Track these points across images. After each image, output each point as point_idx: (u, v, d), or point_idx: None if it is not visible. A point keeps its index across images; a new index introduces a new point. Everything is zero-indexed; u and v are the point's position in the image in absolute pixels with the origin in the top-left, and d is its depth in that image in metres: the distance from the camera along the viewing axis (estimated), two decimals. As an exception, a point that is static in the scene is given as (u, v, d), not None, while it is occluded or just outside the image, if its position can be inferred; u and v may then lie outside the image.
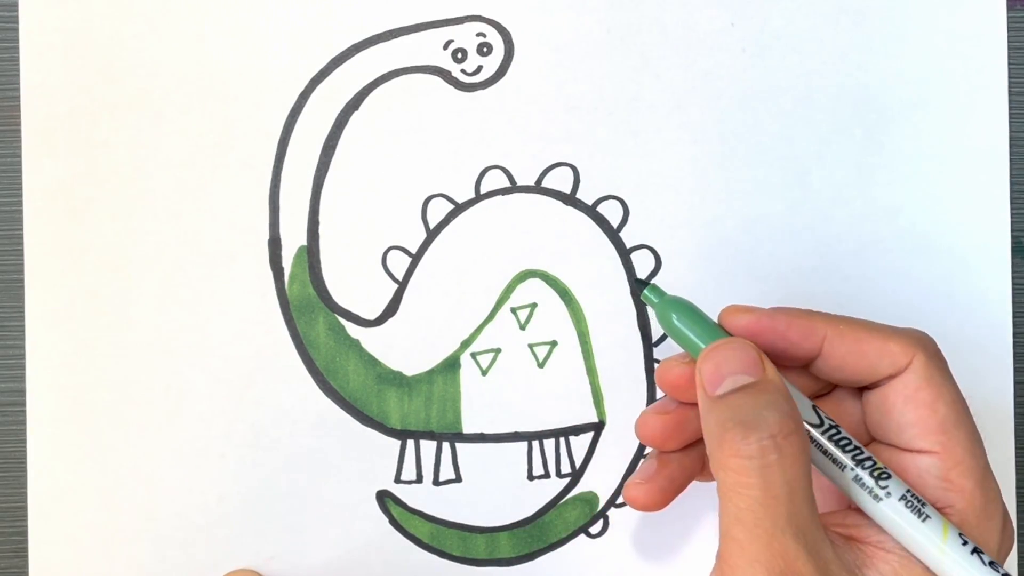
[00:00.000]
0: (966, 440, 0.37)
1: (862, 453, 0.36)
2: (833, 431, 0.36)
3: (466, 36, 0.47)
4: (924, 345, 0.38)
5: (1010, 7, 0.47)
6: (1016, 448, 0.47)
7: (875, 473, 0.35)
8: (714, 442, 0.35)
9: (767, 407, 0.34)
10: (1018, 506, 0.47)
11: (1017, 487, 0.47)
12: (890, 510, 0.35)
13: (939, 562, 0.34)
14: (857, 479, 0.36)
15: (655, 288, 0.40)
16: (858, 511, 0.37)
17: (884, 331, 0.38)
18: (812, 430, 0.36)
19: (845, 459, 0.36)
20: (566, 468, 0.47)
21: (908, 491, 0.35)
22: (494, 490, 0.47)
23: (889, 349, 0.37)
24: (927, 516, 0.35)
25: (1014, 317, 0.47)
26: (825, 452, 0.36)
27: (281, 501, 0.46)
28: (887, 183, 0.47)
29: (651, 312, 0.47)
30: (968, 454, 0.36)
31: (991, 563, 0.34)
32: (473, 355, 0.47)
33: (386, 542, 0.47)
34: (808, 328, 0.38)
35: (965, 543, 0.34)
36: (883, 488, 0.35)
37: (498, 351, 0.47)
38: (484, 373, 0.47)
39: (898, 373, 0.38)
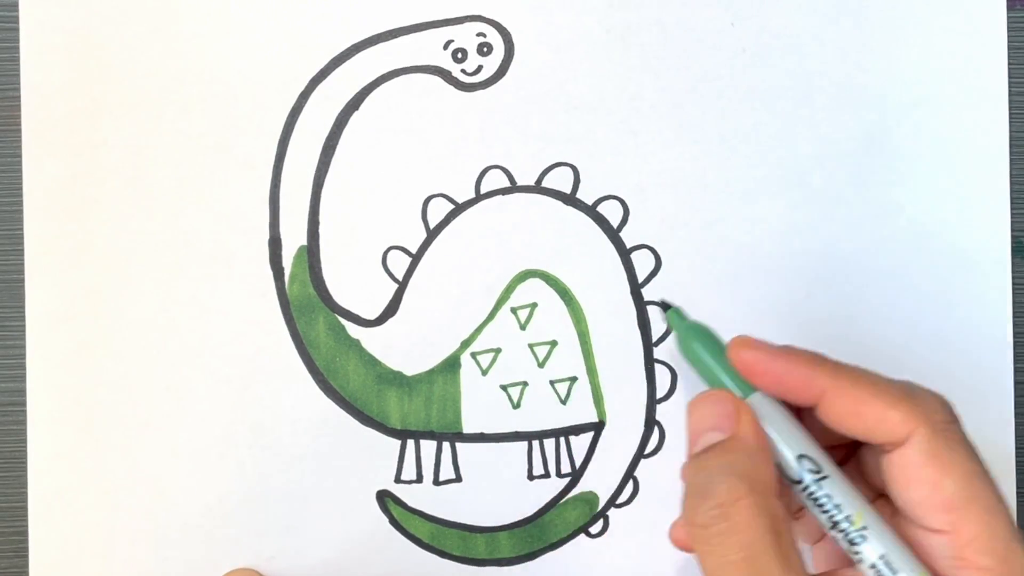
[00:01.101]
0: (982, 515, 0.34)
1: (840, 513, 0.35)
2: (814, 487, 0.35)
3: (466, 36, 0.47)
4: (929, 415, 0.35)
5: (1010, 7, 0.47)
6: (1016, 448, 0.47)
7: (848, 538, 0.35)
8: (682, 505, 0.35)
9: (722, 471, 0.34)
10: (1018, 506, 0.47)
11: (1017, 487, 0.47)
12: (865, 571, 0.35)
13: None
14: (837, 539, 0.35)
15: (678, 312, 0.39)
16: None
17: (888, 395, 0.35)
18: (795, 486, 0.36)
19: (822, 519, 0.35)
20: (566, 468, 0.47)
21: (881, 557, 0.34)
22: (494, 490, 0.47)
23: (888, 418, 0.35)
24: None
25: (1014, 317, 0.47)
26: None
27: (281, 501, 0.46)
28: (887, 183, 0.47)
29: (651, 312, 0.47)
30: (984, 530, 0.34)
31: None
32: (473, 355, 0.47)
33: (386, 542, 0.47)
34: (807, 380, 0.36)
35: None
36: (856, 554, 0.35)
37: (498, 351, 0.47)
38: (484, 373, 0.47)
39: (897, 446, 0.35)
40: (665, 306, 0.40)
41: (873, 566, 0.34)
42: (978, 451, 0.36)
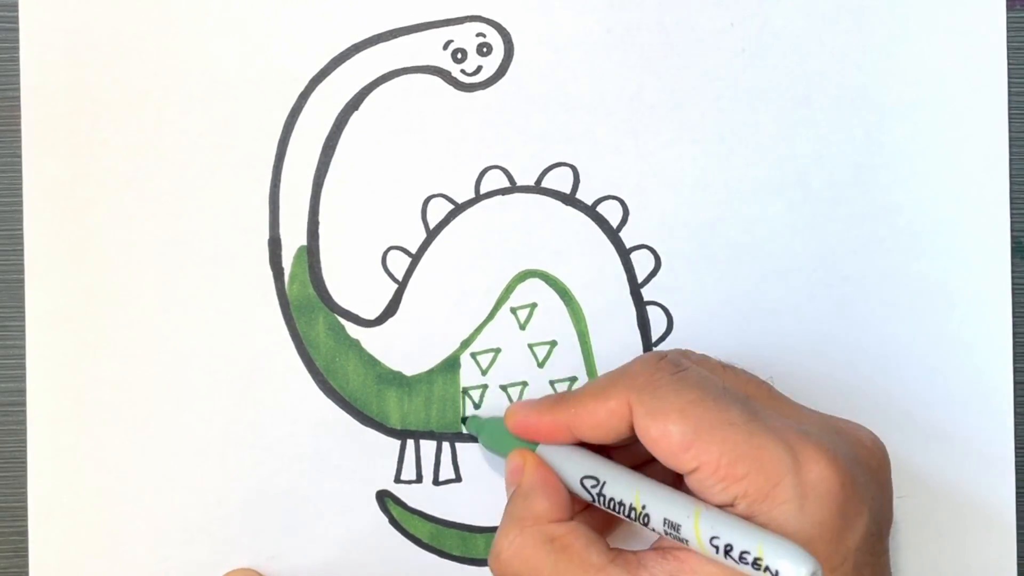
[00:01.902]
0: (714, 435, 0.37)
1: (625, 508, 0.38)
2: (601, 498, 0.39)
3: (466, 36, 0.47)
4: (632, 382, 0.39)
5: (1010, 7, 0.47)
6: (1016, 448, 0.47)
7: (642, 521, 0.38)
8: None
9: (500, 524, 0.41)
10: (1018, 506, 0.47)
11: (1017, 487, 0.47)
12: (668, 541, 0.38)
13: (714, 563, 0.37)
14: (645, 527, 0.38)
15: (475, 418, 0.46)
16: None
17: (602, 392, 0.39)
18: (594, 502, 0.40)
19: (622, 517, 0.39)
20: (566, 468, 0.47)
21: (664, 521, 0.37)
22: (494, 490, 0.47)
23: (611, 410, 0.39)
24: (685, 540, 0.36)
25: (1014, 317, 0.47)
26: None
27: (281, 501, 0.46)
28: (887, 183, 0.47)
29: (651, 312, 0.47)
30: (722, 446, 0.36)
31: (741, 556, 0.35)
32: (473, 355, 0.47)
33: (386, 542, 0.47)
34: (552, 422, 0.41)
35: (717, 548, 0.35)
36: (652, 529, 0.38)
37: (498, 351, 0.47)
38: (484, 373, 0.47)
39: (632, 423, 0.39)
40: (464, 420, 0.47)
41: (665, 532, 0.37)
42: (703, 373, 0.39)
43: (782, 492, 0.36)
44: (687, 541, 0.36)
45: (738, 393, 0.39)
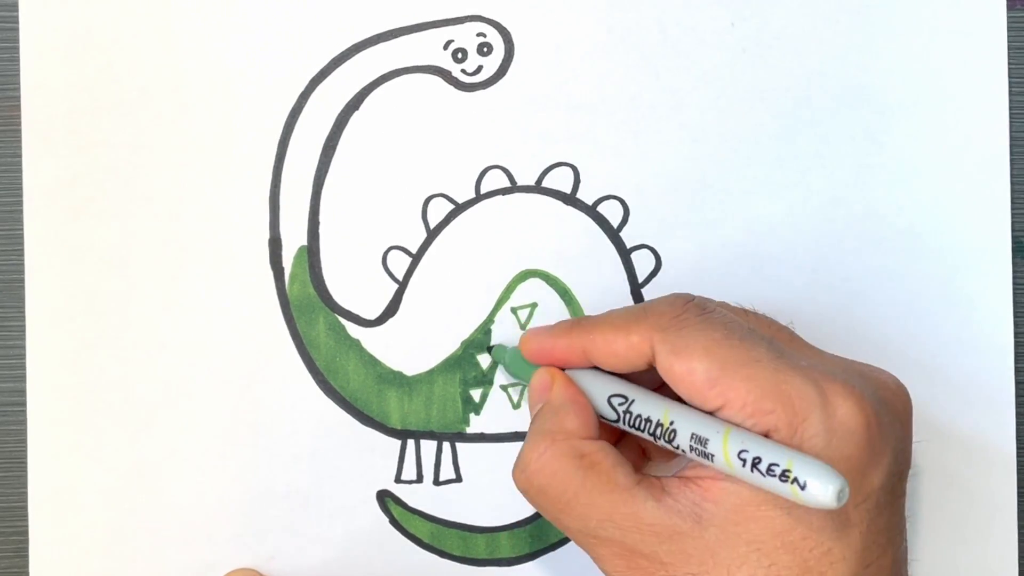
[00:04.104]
0: (739, 373, 0.37)
1: (651, 424, 0.38)
2: (627, 416, 0.39)
3: (466, 36, 0.47)
4: (656, 321, 0.39)
5: (1010, 7, 0.47)
6: (1017, 448, 0.47)
7: (667, 437, 0.38)
8: None
9: (528, 438, 0.40)
10: (1019, 506, 0.47)
11: (1018, 487, 0.47)
12: (692, 458, 0.38)
13: (741, 480, 0.37)
14: (665, 447, 0.38)
15: (500, 347, 0.47)
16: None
17: (623, 325, 0.39)
18: (613, 423, 0.40)
19: (645, 437, 0.39)
20: (566, 468, 0.47)
21: (691, 436, 0.37)
22: (494, 490, 0.47)
23: (631, 344, 0.39)
24: (711, 455, 0.36)
25: (1014, 317, 0.47)
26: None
27: (281, 501, 0.46)
28: (887, 183, 0.47)
29: None
30: (748, 384, 0.36)
31: (769, 469, 0.35)
32: (473, 355, 0.47)
33: (386, 542, 0.47)
34: (568, 346, 0.41)
35: (744, 462, 0.35)
36: (676, 447, 0.38)
37: (498, 351, 0.47)
38: (485, 372, 0.47)
39: (651, 360, 0.39)
40: (490, 349, 0.47)
41: (691, 448, 0.37)
42: (728, 315, 0.39)
43: (810, 427, 0.36)
44: (712, 457, 0.36)
45: (763, 334, 0.39)
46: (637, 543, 0.38)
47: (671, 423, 0.38)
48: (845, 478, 0.34)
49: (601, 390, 0.40)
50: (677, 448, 0.37)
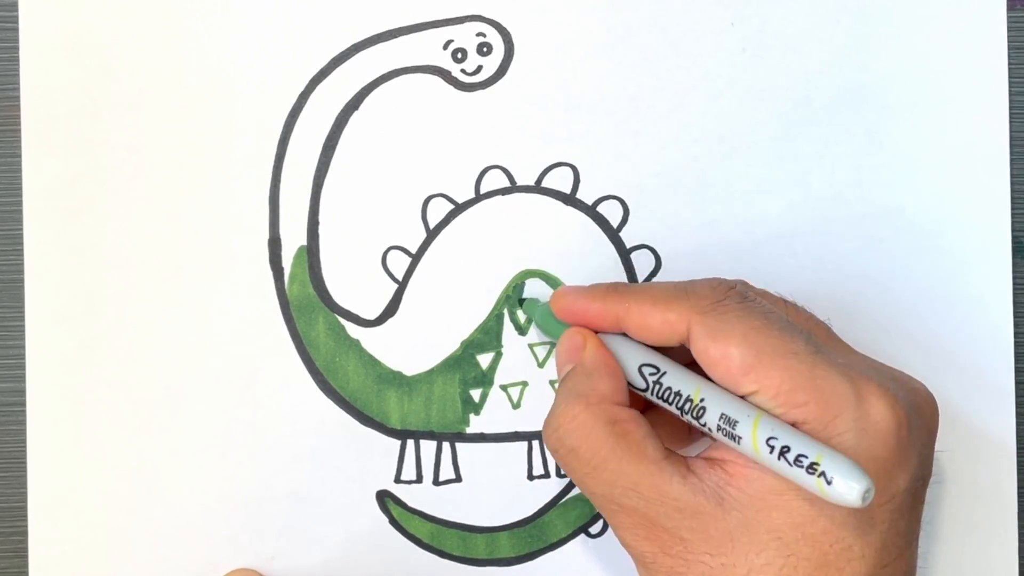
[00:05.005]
0: (776, 363, 0.37)
1: (681, 398, 0.38)
2: (657, 387, 0.39)
3: (466, 36, 0.47)
4: (697, 303, 0.39)
5: (1010, 7, 0.47)
6: (1017, 448, 0.47)
7: (695, 414, 0.38)
8: None
9: (565, 394, 0.40)
10: (1020, 506, 0.47)
11: (1018, 487, 0.47)
12: (718, 438, 0.37)
13: (766, 467, 0.36)
14: (691, 423, 0.38)
15: (532, 301, 0.46)
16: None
17: (663, 300, 0.39)
18: (641, 392, 0.40)
19: (672, 410, 0.39)
20: (566, 468, 0.47)
21: (721, 416, 0.37)
22: (494, 490, 0.47)
23: (668, 320, 0.39)
24: (739, 438, 0.36)
25: (1014, 317, 0.47)
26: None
27: (281, 501, 0.46)
28: (887, 183, 0.47)
29: None
30: (783, 374, 0.36)
31: (796, 459, 0.35)
32: (473, 355, 0.47)
33: (386, 542, 0.47)
34: (602, 310, 0.41)
35: (772, 449, 0.35)
36: (703, 424, 0.37)
37: (499, 352, 0.47)
38: (485, 373, 0.47)
39: (685, 339, 0.39)
40: (521, 302, 0.46)
41: (719, 428, 0.37)
42: (768, 306, 0.39)
43: (842, 423, 0.36)
44: (740, 439, 0.36)
45: (801, 327, 0.39)
46: (659, 516, 0.38)
47: (701, 400, 0.38)
48: (872, 479, 0.34)
49: (632, 358, 0.40)
50: (704, 426, 0.37)
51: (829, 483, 0.34)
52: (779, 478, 0.36)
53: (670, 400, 0.39)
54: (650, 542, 0.38)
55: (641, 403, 0.41)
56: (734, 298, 0.39)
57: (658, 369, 0.40)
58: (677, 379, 0.39)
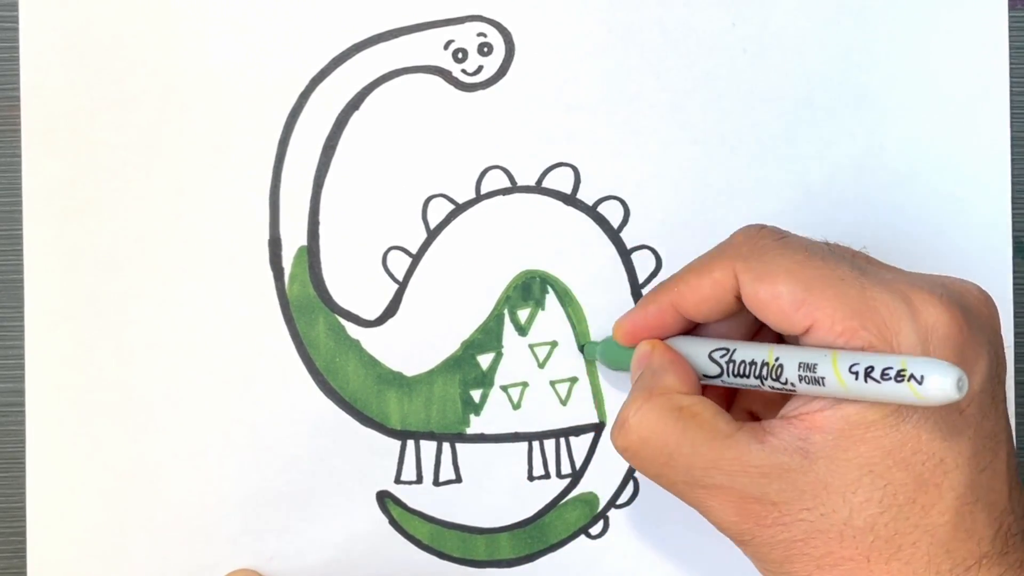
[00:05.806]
0: (825, 292, 0.37)
1: (757, 366, 0.39)
2: (731, 364, 0.40)
3: (466, 36, 0.47)
4: (736, 250, 0.39)
5: (1011, 7, 0.48)
6: (1018, 448, 0.47)
7: (774, 375, 0.38)
8: None
9: (631, 395, 0.40)
10: (1019, 507, 0.47)
11: (1018, 488, 0.47)
12: (802, 390, 0.37)
13: (852, 398, 0.37)
14: (772, 388, 0.38)
15: (591, 344, 0.47)
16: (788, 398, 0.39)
17: (704, 266, 0.40)
18: (715, 381, 0.41)
19: (751, 383, 0.39)
20: (566, 469, 0.47)
21: (799, 365, 0.37)
22: (494, 491, 0.47)
23: (716, 282, 0.39)
24: (822, 378, 0.36)
25: (1015, 317, 0.47)
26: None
27: (281, 501, 0.46)
28: (887, 183, 0.47)
29: None
30: (833, 302, 0.37)
31: (883, 374, 0.35)
32: (473, 355, 0.47)
33: (386, 542, 0.47)
34: (658, 314, 0.42)
35: (857, 375, 0.35)
36: (784, 383, 0.38)
37: (500, 352, 0.47)
38: (485, 374, 0.47)
39: (739, 291, 0.39)
40: (582, 348, 0.47)
41: (801, 378, 0.37)
42: (805, 238, 0.39)
43: (904, 339, 0.36)
44: (824, 380, 0.36)
45: (843, 252, 0.39)
46: (746, 486, 0.37)
47: (776, 359, 0.38)
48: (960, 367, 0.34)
49: (701, 349, 0.41)
50: (786, 383, 0.37)
51: (920, 383, 0.34)
52: (860, 413, 0.36)
53: (746, 373, 0.39)
54: (743, 517, 0.38)
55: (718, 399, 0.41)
56: (769, 236, 0.39)
57: (728, 349, 0.40)
58: (747, 350, 0.39)
